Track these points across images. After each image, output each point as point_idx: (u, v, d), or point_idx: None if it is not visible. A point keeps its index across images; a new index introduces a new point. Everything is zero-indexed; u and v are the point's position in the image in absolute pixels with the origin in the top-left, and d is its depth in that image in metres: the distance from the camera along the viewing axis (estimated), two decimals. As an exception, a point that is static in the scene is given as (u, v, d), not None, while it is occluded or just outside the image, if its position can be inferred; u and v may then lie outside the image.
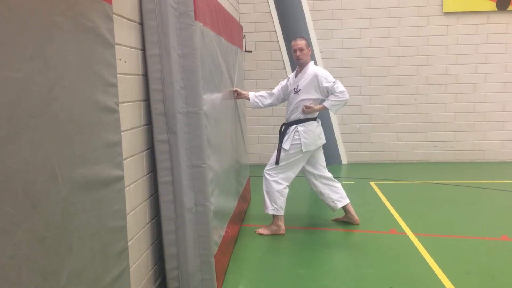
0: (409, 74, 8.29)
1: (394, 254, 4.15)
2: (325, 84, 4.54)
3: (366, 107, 8.41)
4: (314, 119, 4.69)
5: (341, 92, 4.52)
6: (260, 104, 4.94)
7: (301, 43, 4.67)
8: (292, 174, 4.71)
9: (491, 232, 4.66)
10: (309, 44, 4.73)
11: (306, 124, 4.62)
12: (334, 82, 4.54)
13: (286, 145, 4.62)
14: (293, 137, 4.61)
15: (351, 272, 3.82)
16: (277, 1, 8.15)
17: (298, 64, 4.75)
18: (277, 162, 4.64)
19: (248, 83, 7.85)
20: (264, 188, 4.73)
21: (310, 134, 4.61)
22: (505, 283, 3.54)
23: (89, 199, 1.90)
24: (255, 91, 5.07)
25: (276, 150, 4.73)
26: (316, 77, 4.57)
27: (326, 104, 4.58)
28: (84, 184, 1.86)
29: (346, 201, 4.89)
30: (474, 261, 3.95)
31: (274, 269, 3.94)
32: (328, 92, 4.57)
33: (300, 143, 4.58)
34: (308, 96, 4.60)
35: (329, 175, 4.88)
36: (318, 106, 4.64)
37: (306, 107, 4.61)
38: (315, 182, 4.86)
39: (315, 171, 4.82)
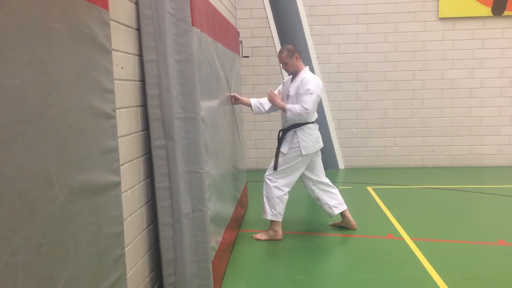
0: (406, 79, 8.32)
1: (391, 259, 4.15)
2: (301, 89, 4.51)
3: (363, 112, 8.43)
4: (313, 122, 4.67)
5: (304, 107, 4.44)
6: (262, 109, 4.91)
7: (281, 57, 4.65)
8: (293, 179, 4.68)
9: (488, 237, 4.66)
10: (293, 53, 4.61)
11: (304, 127, 4.60)
12: (307, 94, 4.46)
13: (284, 149, 4.60)
14: (292, 140, 4.60)
15: (349, 277, 3.82)
16: (273, 7, 8.18)
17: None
18: (275, 168, 4.63)
19: (245, 88, 7.85)
20: (264, 193, 4.71)
21: (309, 137, 4.60)
22: (503, 288, 3.55)
23: (86, 205, 1.90)
24: (252, 96, 5.07)
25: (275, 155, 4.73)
26: (302, 81, 4.56)
27: (287, 105, 4.53)
28: (81, 190, 1.86)
29: (344, 207, 4.88)
30: (471, 265, 3.96)
31: (272, 274, 3.93)
32: (298, 96, 4.54)
33: (299, 147, 4.57)
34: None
35: (327, 180, 4.88)
36: (280, 101, 4.60)
37: (272, 93, 4.60)
38: (313, 187, 4.85)
39: (313, 177, 4.82)
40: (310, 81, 4.53)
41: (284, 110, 4.56)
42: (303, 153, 4.56)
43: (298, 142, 4.56)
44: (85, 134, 1.92)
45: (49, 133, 1.64)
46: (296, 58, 4.63)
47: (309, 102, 4.46)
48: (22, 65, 1.49)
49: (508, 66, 8.15)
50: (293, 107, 4.49)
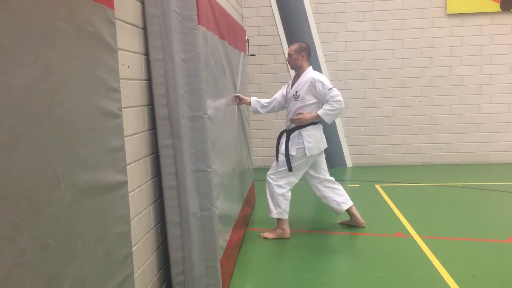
0: (414, 76, 8.27)
1: (400, 257, 4.13)
2: (321, 90, 4.49)
3: (371, 110, 8.38)
4: (316, 123, 4.66)
5: (337, 101, 4.46)
6: (260, 110, 4.95)
7: (290, 49, 4.73)
8: (295, 179, 4.71)
9: (497, 234, 4.62)
10: (301, 50, 4.65)
11: (309, 128, 4.60)
12: (329, 90, 4.47)
13: (293, 151, 4.60)
14: (297, 141, 4.60)
15: (357, 276, 3.80)
16: (280, 5, 8.15)
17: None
18: (290, 169, 4.62)
19: (252, 87, 7.84)
20: (268, 192, 4.73)
21: (314, 138, 4.60)
22: (513, 286, 3.51)
23: (92, 204, 1.89)
24: (259, 95, 5.08)
25: (276, 155, 4.74)
26: (312, 82, 4.53)
27: (319, 112, 4.52)
28: (87, 189, 1.85)
29: (350, 203, 4.87)
30: (480, 263, 3.92)
31: (280, 273, 3.92)
32: (323, 98, 4.53)
33: (304, 147, 4.57)
34: (308, 102, 4.57)
35: (332, 178, 4.88)
36: (310, 115, 4.55)
37: (298, 113, 4.57)
38: (319, 186, 4.85)
39: (318, 175, 4.82)
40: (320, 78, 4.56)
41: (318, 118, 4.54)
42: (307, 154, 4.57)
43: (303, 143, 4.57)
44: (91, 134, 1.91)
45: (55, 132, 1.64)
46: (302, 56, 4.65)
47: (337, 93, 4.48)
48: (27, 64, 1.48)
49: (517, 62, 8.08)
50: (326, 108, 4.48)
